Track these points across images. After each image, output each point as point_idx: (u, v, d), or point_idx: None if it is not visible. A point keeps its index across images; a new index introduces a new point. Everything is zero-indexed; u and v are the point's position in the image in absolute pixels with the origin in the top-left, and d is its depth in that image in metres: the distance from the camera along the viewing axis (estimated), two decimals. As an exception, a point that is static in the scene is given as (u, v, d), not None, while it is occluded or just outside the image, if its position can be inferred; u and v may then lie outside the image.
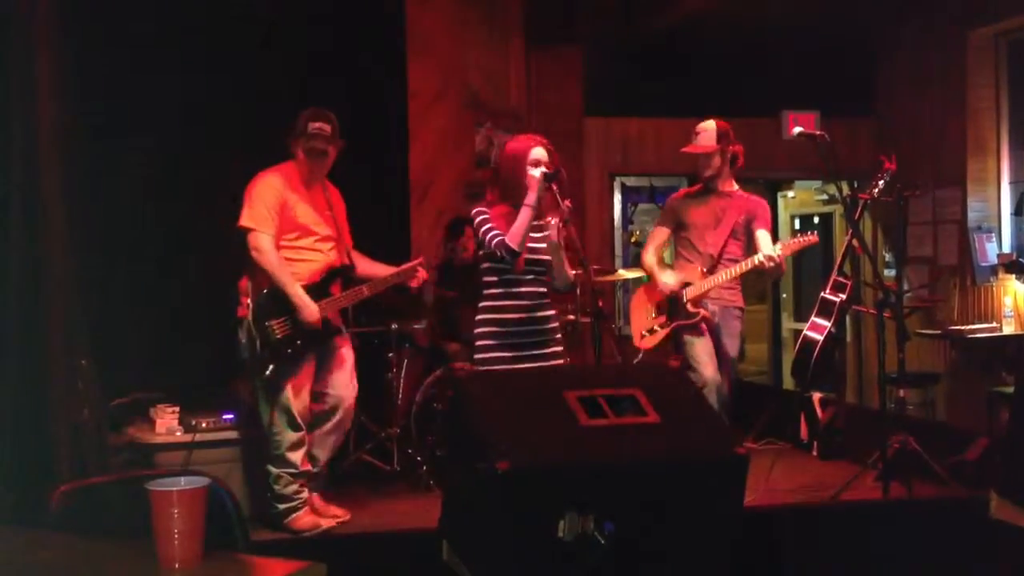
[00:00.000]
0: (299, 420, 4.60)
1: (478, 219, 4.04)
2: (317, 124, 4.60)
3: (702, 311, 5.10)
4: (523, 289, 4.05)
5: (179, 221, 5.59)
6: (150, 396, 5.02)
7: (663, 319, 5.22)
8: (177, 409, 4.91)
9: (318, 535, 4.58)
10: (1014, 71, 6.98)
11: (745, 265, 5.01)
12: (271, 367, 4.51)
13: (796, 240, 5.11)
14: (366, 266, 4.82)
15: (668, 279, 5.16)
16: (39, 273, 4.54)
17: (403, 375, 5.89)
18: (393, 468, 5.65)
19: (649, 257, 5.33)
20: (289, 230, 4.58)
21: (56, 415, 4.58)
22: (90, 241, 4.88)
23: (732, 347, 5.18)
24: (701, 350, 5.06)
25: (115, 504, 3.73)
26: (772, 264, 4.93)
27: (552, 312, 4.15)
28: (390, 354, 5.82)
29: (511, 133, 5.18)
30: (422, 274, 4.76)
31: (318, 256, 4.65)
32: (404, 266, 4.76)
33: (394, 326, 5.79)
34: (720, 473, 3.03)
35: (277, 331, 4.50)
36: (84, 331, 4.71)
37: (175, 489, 2.04)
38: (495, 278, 4.07)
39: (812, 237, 5.13)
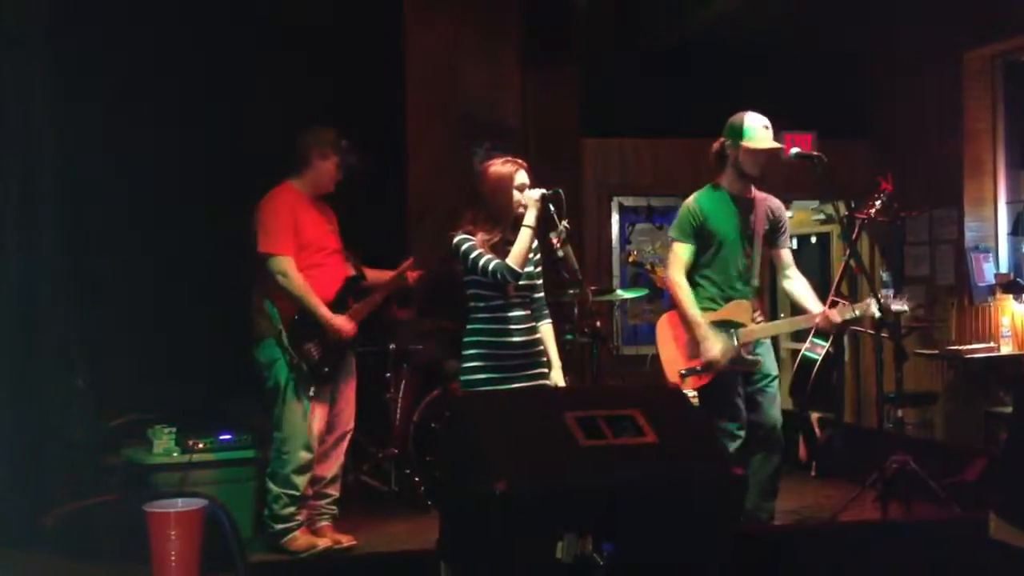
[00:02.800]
0: (313, 442, 4.60)
1: (465, 246, 4.01)
2: (344, 140, 4.70)
3: (759, 359, 4.59)
4: (511, 314, 4.05)
5: (176, 242, 5.59)
6: (146, 416, 5.01)
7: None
8: (174, 430, 4.90)
9: (315, 556, 4.55)
10: (1010, 92, 7.00)
11: (796, 322, 4.73)
12: (312, 388, 4.55)
13: (865, 304, 4.66)
14: (371, 275, 4.88)
15: (716, 348, 4.50)
16: (35, 294, 4.54)
17: (401, 395, 5.88)
18: (391, 489, 5.64)
19: (691, 303, 4.57)
20: (302, 247, 4.60)
21: (52, 436, 4.57)
22: (86, 262, 4.88)
23: (773, 366, 4.71)
24: (740, 398, 4.56)
25: (111, 526, 3.71)
26: (833, 328, 4.69)
27: (538, 336, 4.14)
28: (388, 374, 5.82)
29: (509, 154, 5.16)
30: (411, 276, 4.85)
31: (330, 270, 4.67)
32: (400, 268, 4.84)
33: (392, 346, 5.79)
34: (718, 493, 3.02)
35: (315, 353, 4.52)
36: (80, 352, 4.70)
37: (172, 511, 2.04)
38: (483, 303, 4.06)
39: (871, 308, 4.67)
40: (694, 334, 4.57)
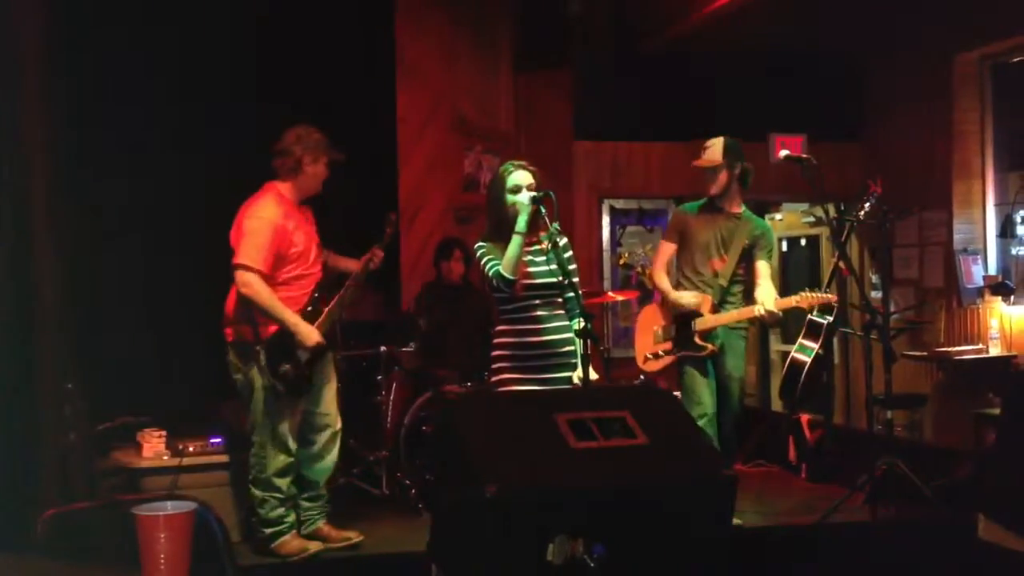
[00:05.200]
0: (291, 445, 4.58)
1: (479, 252, 4.14)
2: (328, 141, 4.67)
3: (710, 346, 4.98)
4: (533, 313, 4.10)
5: (169, 245, 5.58)
6: (137, 420, 5.00)
7: (669, 344, 5.10)
8: (164, 433, 4.89)
9: (305, 559, 4.55)
10: (999, 94, 7.04)
11: (743, 313, 4.94)
12: (293, 402, 4.54)
13: (803, 297, 4.93)
14: (335, 261, 4.82)
15: (690, 298, 5.01)
16: (27, 298, 4.54)
17: (392, 398, 5.88)
18: (382, 492, 5.63)
19: (662, 278, 5.17)
20: (291, 261, 4.54)
21: (42, 439, 4.56)
22: (77, 266, 4.87)
23: (736, 367, 5.07)
24: (701, 383, 4.99)
25: (101, 529, 3.71)
26: (773, 319, 4.93)
27: (567, 335, 4.14)
28: (379, 377, 5.81)
29: (500, 156, 5.18)
30: (378, 255, 4.71)
31: (314, 279, 4.64)
32: (364, 258, 4.71)
33: (383, 349, 5.79)
34: (709, 495, 3.03)
35: (292, 372, 4.49)
36: (70, 355, 4.69)
37: (161, 514, 2.04)
38: (507, 305, 4.13)
39: (823, 297, 4.95)
40: (669, 302, 5.09)
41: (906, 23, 7.23)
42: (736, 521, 4.29)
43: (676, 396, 5.00)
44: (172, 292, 5.55)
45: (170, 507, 1.94)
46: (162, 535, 1.96)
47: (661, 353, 5.12)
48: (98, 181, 5.38)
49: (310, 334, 4.47)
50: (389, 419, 5.82)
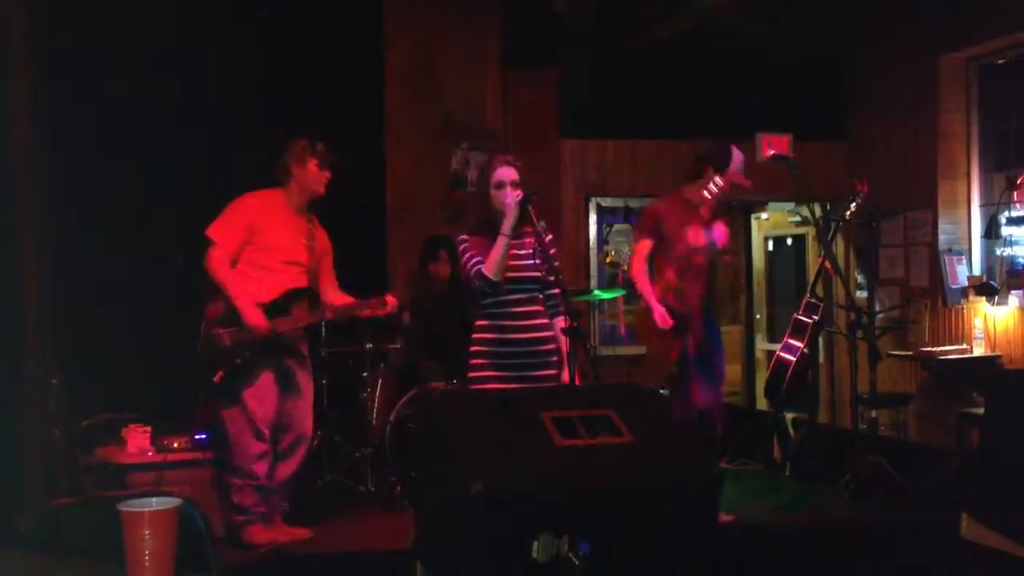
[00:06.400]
0: (263, 431, 4.59)
1: (460, 247, 4.12)
2: (320, 144, 4.72)
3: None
4: (513, 310, 4.09)
5: (151, 243, 5.56)
6: (121, 416, 4.99)
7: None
8: (149, 429, 4.88)
9: (289, 556, 4.54)
10: (984, 95, 7.08)
11: None
12: (219, 373, 4.54)
13: None
14: (338, 299, 4.87)
15: (659, 311, 4.88)
16: (12, 293, 4.51)
17: (378, 395, 5.87)
18: (367, 488, 5.63)
19: (644, 283, 4.99)
20: (257, 250, 4.62)
21: (26, 434, 4.54)
22: (62, 261, 4.85)
23: (719, 363, 5.05)
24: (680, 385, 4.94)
25: (85, 525, 3.69)
26: None
27: (548, 333, 4.14)
28: (364, 374, 5.81)
29: (487, 154, 5.16)
30: (391, 300, 4.76)
31: (279, 277, 4.66)
32: (372, 300, 4.78)
33: (368, 346, 5.78)
34: (694, 493, 3.04)
35: (224, 338, 4.52)
36: (55, 350, 4.67)
37: (146, 510, 2.03)
38: (487, 300, 4.12)
39: None
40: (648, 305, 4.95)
41: (893, 24, 7.26)
42: (721, 519, 4.31)
43: (663, 394, 5.00)
44: (158, 287, 5.54)
45: (155, 503, 1.94)
46: (147, 531, 1.95)
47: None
48: (84, 179, 5.36)
49: (252, 314, 4.51)
50: (375, 416, 5.82)
